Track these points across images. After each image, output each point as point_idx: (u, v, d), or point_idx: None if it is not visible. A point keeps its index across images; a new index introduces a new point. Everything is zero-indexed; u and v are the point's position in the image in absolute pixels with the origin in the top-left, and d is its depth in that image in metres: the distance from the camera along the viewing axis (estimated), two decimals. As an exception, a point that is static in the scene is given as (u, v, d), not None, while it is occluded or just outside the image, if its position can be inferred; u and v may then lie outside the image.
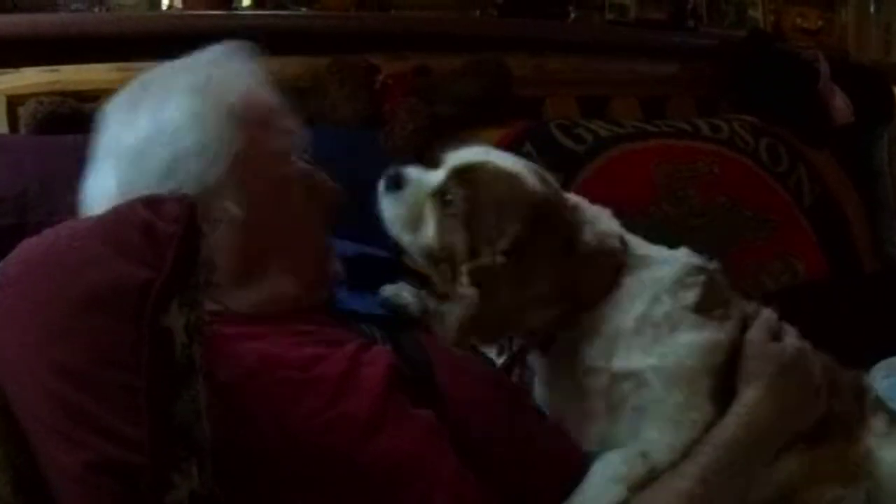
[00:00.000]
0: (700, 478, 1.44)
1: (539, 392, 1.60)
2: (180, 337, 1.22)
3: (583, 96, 2.83)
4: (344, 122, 2.31)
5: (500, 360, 1.63)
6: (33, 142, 2.00)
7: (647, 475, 1.43)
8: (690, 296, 1.50)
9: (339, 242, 1.74)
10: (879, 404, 1.67)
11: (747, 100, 3.01)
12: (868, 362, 2.04)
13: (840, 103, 3.00)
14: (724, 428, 1.48)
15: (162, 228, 1.25)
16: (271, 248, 1.57)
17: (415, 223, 1.52)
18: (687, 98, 3.06)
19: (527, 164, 1.57)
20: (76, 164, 1.81)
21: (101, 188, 1.55)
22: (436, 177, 1.53)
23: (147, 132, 1.53)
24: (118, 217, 1.31)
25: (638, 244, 1.56)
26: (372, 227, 1.64)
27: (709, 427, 1.47)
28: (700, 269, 1.54)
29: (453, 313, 1.45)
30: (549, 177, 1.56)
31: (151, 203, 1.30)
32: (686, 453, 1.46)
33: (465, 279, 1.45)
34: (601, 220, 1.54)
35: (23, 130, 2.08)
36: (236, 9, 2.61)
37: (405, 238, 1.54)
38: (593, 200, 1.57)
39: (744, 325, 1.55)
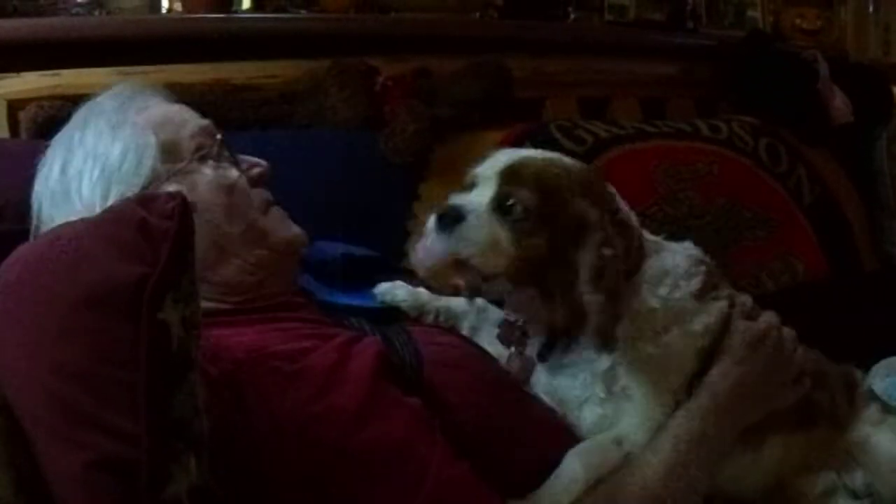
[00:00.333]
0: (671, 447, 1.48)
1: (541, 378, 1.60)
2: (177, 332, 1.23)
3: (583, 97, 2.83)
4: (344, 125, 2.31)
5: (510, 350, 1.63)
6: (34, 147, 2.00)
7: (621, 461, 1.47)
8: (695, 283, 1.56)
9: (325, 243, 1.75)
10: (872, 395, 1.68)
11: (747, 100, 3.01)
12: (868, 361, 2.05)
13: (839, 103, 3.00)
14: (693, 400, 1.52)
15: (156, 225, 1.27)
16: (221, 227, 1.62)
17: (493, 247, 1.48)
18: (686, 99, 3.06)
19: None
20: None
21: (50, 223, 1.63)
22: (484, 192, 1.52)
23: (73, 165, 1.64)
24: (113, 216, 1.33)
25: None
26: (369, 228, 1.65)
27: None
28: (701, 261, 1.60)
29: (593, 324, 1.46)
30: None
31: (144, 201, 1.31)
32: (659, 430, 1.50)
33: (586, 286, 1.46)
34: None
35: (24, 135, 2.08)
36: (236, 12, 2.61)
37: (488, 264, 1.49)
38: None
39: (731, 304, 1.60)
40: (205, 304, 1.45)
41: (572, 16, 3.04)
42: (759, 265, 2.62)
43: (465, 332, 1.72)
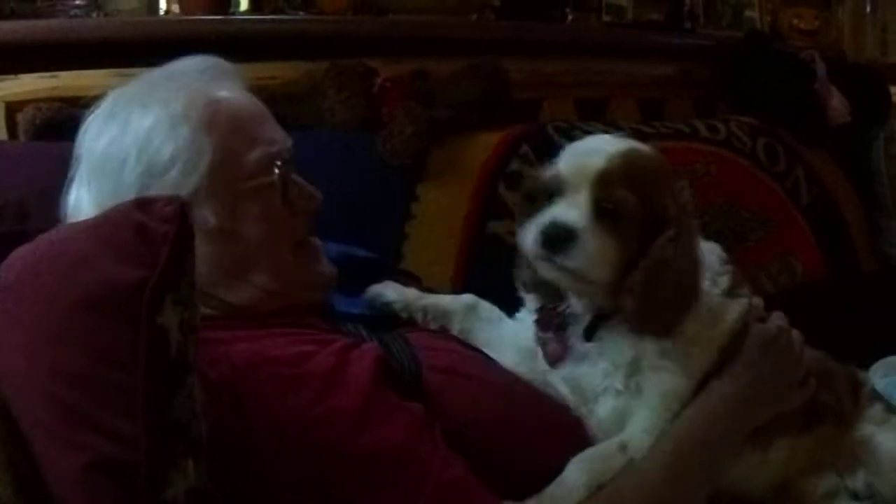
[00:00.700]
0: (674, 450, 1.48)
1: (567, 369, 1.59)
2: (175, 335, 1.23)
3: (580, 98, 2.83)
4: (342, 127, 2.31)
5: (548, 335, 1.63)
6: (32, 148, 2.00)
7: (625, 467, 1.46)
8: (724, 281, 1.58)
9: (328, 244, 1.74)
10: (876, 395, 1.68)
11: (745, 100, 3.01)
12: (866, 361, 2.05)
13: (837, 103, 3.00)
14: (700, 402, 1.52)
15: (154, 228, 1.26)
16: (248, 256, 1.58)
17: (604, 258, 1.47)
18: (684, 99, 3.06)
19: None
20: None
21: (78, 202, 1.58)
22: (578, 200, 1.48)
23: (120, 145, 1.54)
24: (111, 219, 1.33)
25: None
26: (367, 229, 1.65)
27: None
28: (727, 260, 1.62)
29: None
30: None
31: (143, 204, 1.31)
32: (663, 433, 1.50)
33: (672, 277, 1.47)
34: None
35: (22, 137, 2.08)
36: (234, 13, 2.61)
37: (599, 275, 1.48)
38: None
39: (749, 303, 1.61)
40: (205, 310, 1.45)
41: (570, 17, 3.04)
42: (758, 265, 2.62)
43: (455, 330, 1.71)
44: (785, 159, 2.82)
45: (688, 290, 1.50)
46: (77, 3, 2.39)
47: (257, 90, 1.70)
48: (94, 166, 1.56)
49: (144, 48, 2.19)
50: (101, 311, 1.23)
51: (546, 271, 1.50)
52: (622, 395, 1.51)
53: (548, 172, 1.54)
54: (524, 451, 1.51)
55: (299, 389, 1.39)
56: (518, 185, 2.18)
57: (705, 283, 1.54)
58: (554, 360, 1.58)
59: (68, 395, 1.21)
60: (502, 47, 2.66)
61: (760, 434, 1.57)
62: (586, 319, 1.56)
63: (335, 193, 1.72)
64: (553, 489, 1.43)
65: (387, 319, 1.69)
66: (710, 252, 1.60)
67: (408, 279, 1.81)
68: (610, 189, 1.47)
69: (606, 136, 1.61)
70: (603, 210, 1.46)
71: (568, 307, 1.59)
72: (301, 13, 2.66)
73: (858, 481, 1.55)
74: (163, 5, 2.63)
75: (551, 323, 1.60)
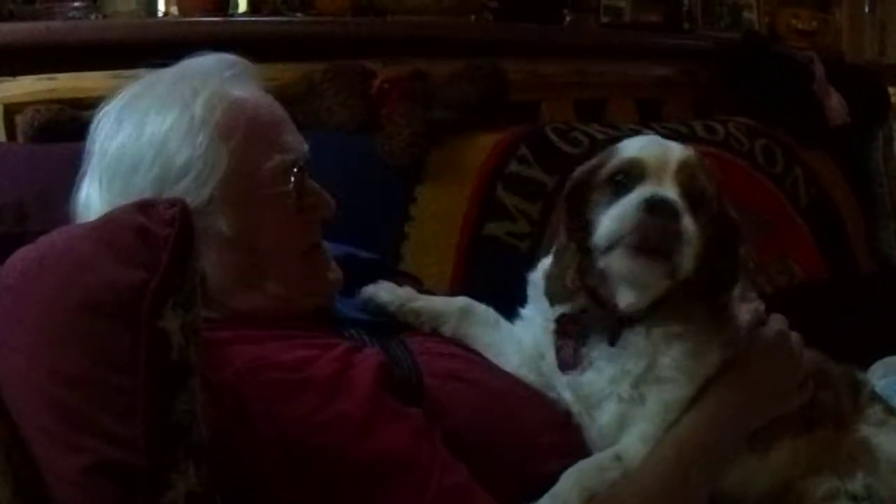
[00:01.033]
0: (674, 456, 1.47)
1: (584, 374, 1.58)
2: (177, 338, 1.23)
3: (579, 100, 2.83)
4: (340, 128, 2.31)
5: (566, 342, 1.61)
6: (31, 150, 2.00)
7: (620, 477, 1.46)
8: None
9: (331, 245, 1.74)
10: (875, 396, 1.68)
11: (743, 101, 3.01)
12: (865, 362, 2.05)
13: (835, 104, 3.00)
14: (700, 407, 1.51)
15: (156, 231, 1.26)
16: (258, 264, 1.56)
17: (694, 247, 1.42)
18: (683, 100, 3.06)
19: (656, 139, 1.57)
20: (74, 173, 1.81)
21: (88, 199, 1.57)
22: (667, 185, 1.43)
23: (135, 146, 1.52)
24: (113, 222, 1.32)
25: None
26: (365, 230, 1.65)
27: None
28: None
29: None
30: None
31: (145, 207, 1.31)
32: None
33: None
34: None
35: (21, 138, 2.08)
36: (232, 15, 2.61)
37: (689, 268, 1.43)
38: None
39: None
40: (207, 314, 1.45)
41: (568, 18, 3.03)
42: (757, 267, 2.62)
43: (448, 333, 1.70)
44: (783, 160, 2.82)
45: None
46: (76, 4, 2.39)
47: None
48: (107, 165, 1.55)
49: (143, 50, 2.18)
50: (101, 314, 1.22)
51: (635, 261, 1.41)
52: (625, 403, 1.51)
53: (613, 161, 1.48)
54: (524, 457, 1.51)
55: (303, 394, 1.39)
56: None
57: None
58: (568, 367, 1.57)
59: (68, 398, 1.21)
60: (500, 48, 2.67)
61: (760, 437, 1.56)
62: (609, 325, 1.54)
63: (334, 195, 1.72)
64: (546, 500, 1.42)
65: (389, 324, 1.68)
66: None
67: (408, 281, 1.80)
68: (694, 178, 1.44)
69: (653, 135, 1.58)
70: (689, 199, 1.42)
71: (583, 315, 1.57)
72: (299, 14, 2.66)
73: (857, 483, 1.55)
74: (161, 7, 2.62)
75: (571, 330, 1.58)
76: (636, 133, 2.60)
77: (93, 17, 2.41)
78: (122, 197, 1.47)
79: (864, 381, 1.74)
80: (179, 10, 2.58)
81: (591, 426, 1.55)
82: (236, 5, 2.64)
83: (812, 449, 1.59)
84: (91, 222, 1.39)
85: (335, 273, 1.68)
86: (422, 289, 1.82)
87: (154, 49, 2.03)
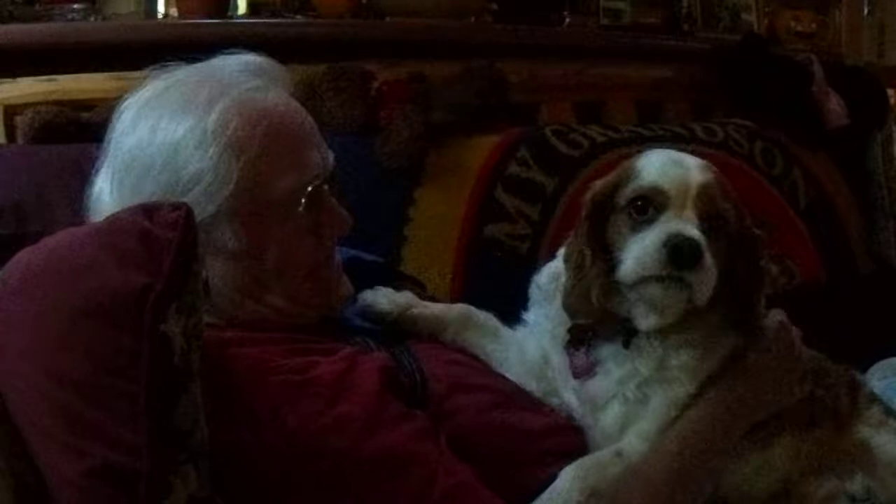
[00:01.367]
0: (677, 452, 1.47)
1: (594, 382, 1.58)
2: (179, 343, 1.23)
3: (578, 101, 2.83)
4: (339, 130, 2.31)
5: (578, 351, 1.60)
6: (30, 151, 2.01)
7: (622, 472, 1.46)
8: None
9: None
10: (874, 397, 1.68)
11: (742, 103, 3.01)
12: (864, 364, 2.05)
13: (834, 106, 3.00)
14: (702, 404, 1.52)
15: (159, 235, 1.26)
16: (263, 278, 1.55)
17: (712, 277, 1.45)
18: (682, 102, 3.06)
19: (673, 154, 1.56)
20: (73, 174, 1.82)
21: (100, 194, 1.55)
22: (688, 214, 1.45)
23: (147, 149, 1.50)
24: (116, 225, 1.32)
25: None
26: (365, 232, 1.65)
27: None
28: None
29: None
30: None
31: (148, 210, 1.31)
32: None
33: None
34: None
35: (20, 140, 2.08)
36: (232, 17, 2.61)
37: (706, 296, 1.45)
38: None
39: None
40: (209, 319, 1.45)
41: (567, 20, 3.03)
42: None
43: (448, 340, 1.69)
44: (782, 162, 2.82)
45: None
46: (75, 6, 2.39)
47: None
48: (120, 164, 1.53)
49: (143, 52, 2.18)
50: (103, 319, 1.22)
51: (660, 290, 1.44)
52: (629, 403, 1.51)
53: (631, 187, 1.49)
54: (527, 462, 1.51)
55: (308, 397, 1.39)
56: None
57: None
58: (583, 373, 1.57)
59: (70, 401, 1.21)
60: (500, 50, 2.66)
61: (762, 433, 1.56)
62: (624, 332, 1.54)
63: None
64: (546, 496, 1.43)
65: (393, 332, 1.67)
66: None
67: (410, 285, 1.79)
68: (714, 203, 1.46)
69: (669, 150, 1.57)
70: (708, 224, 1.44)
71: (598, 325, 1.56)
72: (299, 16, 2.66)
73: (856, 484, 1.55)
74: (161, 9, 2.63)
75: (584, 339, 1.57)
76: (635, 135, 2.62)
77: (92, 18, 2.42)
78: (132, 198, 1.46)
79: (861, 381, 1.74)
80: (179, 11, 2.58)
81: (595, 427, 1.55)
82: (236, 7, 2.65)
83: (812, 447, 1.59)
84: (94, 224, 1.39)
85: (344, 288, 1.66)
86: (424, 294, 1.81)
87: (154, 51, 2.03)
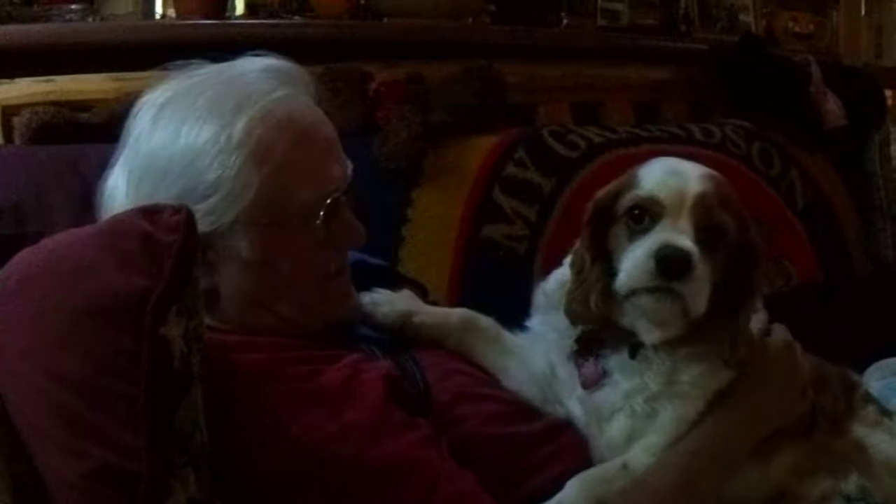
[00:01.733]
0: (685, 464, 1.48)
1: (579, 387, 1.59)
2: (179, 346, 1.23)
3: (576, 102, 2.83)
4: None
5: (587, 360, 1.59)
6: (28, 152, 2.01)
7: (628, 485, 1.46)
8: None
9: None
10: (869, 397, 1.69)
11: (739, 104, 3.01)
12: (862, 365, 2.05)
13: (832, 107, 3.01)
14: (709, 419, 1.51)
15: (160, 238, 1.26)
16: (276, 287, 1.54)
17: (705, 288, 1.43)
18: (680, 103, 3.06)
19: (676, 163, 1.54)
20: (71, 174, 1.81)
21: (114, 190, 1.53)
22: (682, 225, 1.43)
23: (167, 153, 1.48)
24: (116, 227, 1.32)
25: None
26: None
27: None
28: None
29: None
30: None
31: (150, 213, 1.31)
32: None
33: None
34: None
35: (18, 140, 2.08)
36: (230, 18, 2.61)
37: (701, 307, 1.44)
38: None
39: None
40: (215, 324, 1.45)
41: (565, 21, 3.04)
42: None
43: (450, 346, 1.68)
44: (780, 163, 2.82)
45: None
46: (73, 7, 2.39)
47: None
48: (138, 164, 1.51)
49: (141, 52, 2.19)
50: (103, 321, 1.22)
51: (652, 302, 1.43)
52: (636, 417, 1.51)
53: (629, 195, 1.48)
54: (529, 468, 1.51)
55: (312, 405, 1.39)
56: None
57: None
58: (592, 384, 1.56)
59: (69, 403, 1.22)
60: (498, 51, 2.66)
61: (762, 446, 1.57)
62: (630, 342, 1.53)
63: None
64: None
65: (398, 339, 1.65)
66: None
67: (413, 289, 1.79)
68: (710, 213, 1.44)
69: (674, 159, 1.55)
70: (704, 235, 1.43)
71: (603, 333, 1.56)
72: (297, 17, 2.66)
73: (851, 484, 1.55)
74: (159, 9, 2.63)
75: (591, 348, 1.57)
76: (633, 137, 2.61)
77: (90, 19, 2.41)
78: (148, 199, 1.44)
79: (857, 382, 1.74)
80: (177, 12, 2.58)
81: (600, 438, 1.54)
82: (234, 8, 2.65)
83: (810, 454, 1.59)
84: (95, 226, 1.38)
85: (353, 301, 1.64)
86: (427, 299, 1.81)
87: (152, 52, 2.04)
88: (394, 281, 1.80)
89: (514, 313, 1.70)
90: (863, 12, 3.73)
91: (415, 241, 2.26)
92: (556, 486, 1.45)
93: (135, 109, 1.54)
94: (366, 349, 1.58)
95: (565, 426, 1.59)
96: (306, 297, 1.56)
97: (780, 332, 1.62)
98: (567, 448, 1.55)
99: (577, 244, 1.57)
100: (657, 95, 3.03)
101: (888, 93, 3.28)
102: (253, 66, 1.58)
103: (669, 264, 1.39)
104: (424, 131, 2.31)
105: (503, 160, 2.39)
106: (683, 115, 3.01)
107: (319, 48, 2.46)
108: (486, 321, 1.71)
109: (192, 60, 1.60)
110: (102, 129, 1.97)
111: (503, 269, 2.28)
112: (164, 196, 1.45)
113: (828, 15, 3.62)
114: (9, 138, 2.12)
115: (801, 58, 3.08)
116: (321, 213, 1.52)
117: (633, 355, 1.52)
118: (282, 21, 2.63)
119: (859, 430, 1.62)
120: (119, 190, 1.52)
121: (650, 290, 1.42)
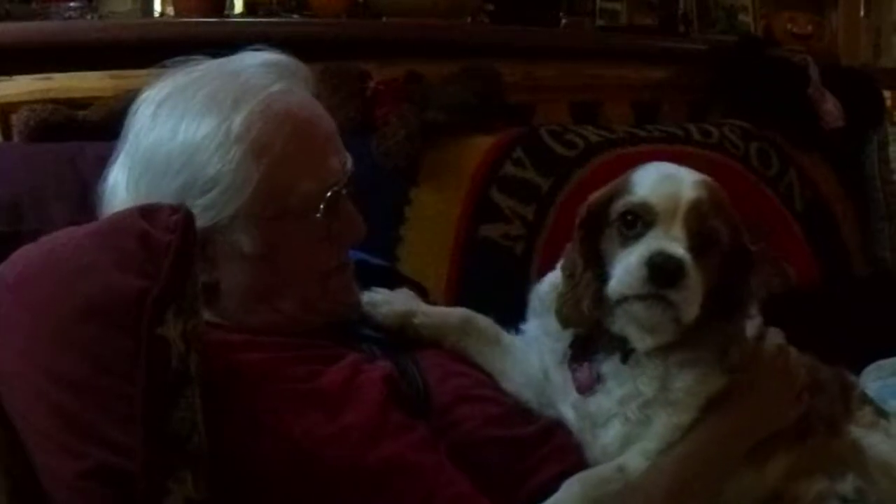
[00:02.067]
0: (679, 469, 1.48)
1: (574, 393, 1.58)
2: (177, 346, 1.23)
3: (574, 102, 2.83)
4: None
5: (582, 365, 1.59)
6: (26, 150, 2.01)
7: (623, 488, 1.46)
8: None
9: None
10: (866, 399, 1.69)
11: (738, 104, 3.01)
12: (859, 366, 2.05)
13: (830, 107, 3.00)
14: (704, 424, 1.51)
15: (157, 238, 1.26)
16: (277, 282, 1.54)
17: (698, 295, 1.43)
18: (678, 103, 3.06)
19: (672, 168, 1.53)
20: (69, 172, 1.81)
21: (115, 187, 1.53)
22: (675, 232, 1.43)
23: (166, 149, 1.48)
24: (115, 226, 1.32)
25: None
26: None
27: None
28: None
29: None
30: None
31: (148, 212, 1.31)
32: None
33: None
34: None
35: (16, 138, 2.08)
36: (228, 16, 2.61)
37: (693, 313, 1.43)
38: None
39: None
40: (216, 320, 1.44)
41: (563, 21, 3.03)
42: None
43: (448, 347, 1.68)
44: (778, 163, 2.82)
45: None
46: (72, 4, 2.39)
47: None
48: (138, 160, 1.51)
49: (139, 50, 2.19)
50: (101, 320, 1.22)
51: (643, 309, 1.43)
52: (630, 423, 1.50)
53: (622, 201, 1.47)
54: (527, 469, 1.51)
55: (311, 406, 1.39)
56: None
57: None
58: (586, 389, 1.55)
59: (67, 402, 1.22)
60: (496, 50, 2.67)
61: (757, 450, 1.57)
62: (622, 348, 1.53)
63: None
64: None
65: (401, 341, 1.65)
66: None
67: (413, 290, 1.79)
68: (704, 220, 1.43)
69: (668, 164, 1.54)
70: (697, 242, 1.42)
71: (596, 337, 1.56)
72: (295, 16, 2.66)
73: (847, 485, 1.55)
74: (157, 7, 2.63)
75: (586, 353, 1.57)
76: (631, 136, 2.61)
77: (89, 17, 2.41)
78: (147, 195, 1.45)
79: (853, 383, 1.74)
80: (175, 10, 2.58)
81: (594, 444, 1.54)
82: (232, 6, 2.65)
83: (806, 457, 1.59)
84: (93, 225, 1.38)
85: (354, 296, 1.64)
86: (427, 299, 1.80)
87: (150, 50, 2.04)
88: (394, 281, 1.80)
89: (512, 312, 1.70)
90: (861, 13, 3.73)
91: (413, 240, 2.26)
92: (555, 487, 1.45)
93: (134, 106, 1.55)
94: (366, 349, 1.58)
95: (562, 427, 1.59)
96: (308, 293, 1.56)
97: (773, 337, 1.62)
98: (564, 449, 1.55)
99: (570, 248, 1.57)
100: (656, 95, 3.03)
101: (887, 94, 3.28)
102: (251, 60, 1.58)
103: (662, 272, 1.39)
104: (422, 130, 2.31)
105: (501, 159, 2.39)
106: (682, 115, 3.01)
107: (318, 47, 2.45)
108: (485, 322, 1.71)
109: (191, 57, 1.60)
110: (101, 126, 1.98)
111: (501, 269, 2.28)
112: (165, 191, 1.46)
113: (826, 16, 3.62)
114: (7, 136, 2.12)
115: (799, 58, 3.08)
116: (321, 205, 1.52)
117: (625, 360, 1.52)
118: (280, 19, 2.64)
119: (856, 432, 1.62)
120: (119, 187, 1.53)
121: (642, 298, 1.41)
